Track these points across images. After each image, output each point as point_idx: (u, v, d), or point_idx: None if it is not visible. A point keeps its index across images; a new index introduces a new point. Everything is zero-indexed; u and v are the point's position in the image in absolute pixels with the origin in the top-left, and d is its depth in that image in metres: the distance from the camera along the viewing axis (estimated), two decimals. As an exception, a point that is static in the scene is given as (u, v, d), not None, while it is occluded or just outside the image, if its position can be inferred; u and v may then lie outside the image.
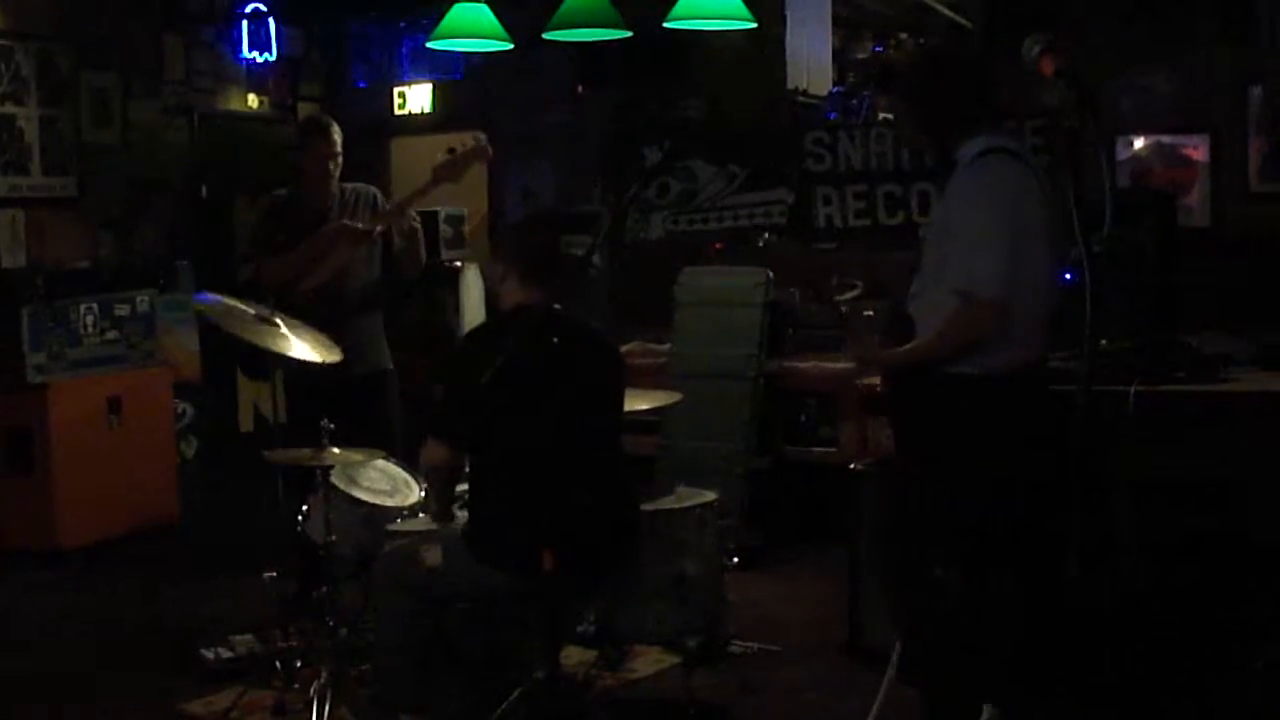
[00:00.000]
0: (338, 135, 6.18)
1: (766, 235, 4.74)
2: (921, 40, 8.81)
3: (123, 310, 8.15)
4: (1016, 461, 4.31)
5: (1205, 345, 5.33)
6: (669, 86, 8.84)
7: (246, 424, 9.58)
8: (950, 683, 4.37)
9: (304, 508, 5.38)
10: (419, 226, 6.20)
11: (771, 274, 7.42)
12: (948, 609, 4.33)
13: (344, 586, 5.14)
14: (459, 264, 8.63)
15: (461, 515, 4.68)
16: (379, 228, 6.10)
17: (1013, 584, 4.52)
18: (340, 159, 6.18)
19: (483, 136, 5.98)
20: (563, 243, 8.35)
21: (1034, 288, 4.25)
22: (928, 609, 4.38)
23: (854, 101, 8.39)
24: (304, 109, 10.23)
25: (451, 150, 5.95)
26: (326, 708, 4.84)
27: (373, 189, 6.36)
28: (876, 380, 4.70)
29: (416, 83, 10.31)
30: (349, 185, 6.27)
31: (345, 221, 6.04)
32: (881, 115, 7.89)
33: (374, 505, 5.24)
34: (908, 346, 4.33)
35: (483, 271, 8.14)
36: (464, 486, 4.81)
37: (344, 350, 5.75)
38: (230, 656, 5.59)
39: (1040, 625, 4.69)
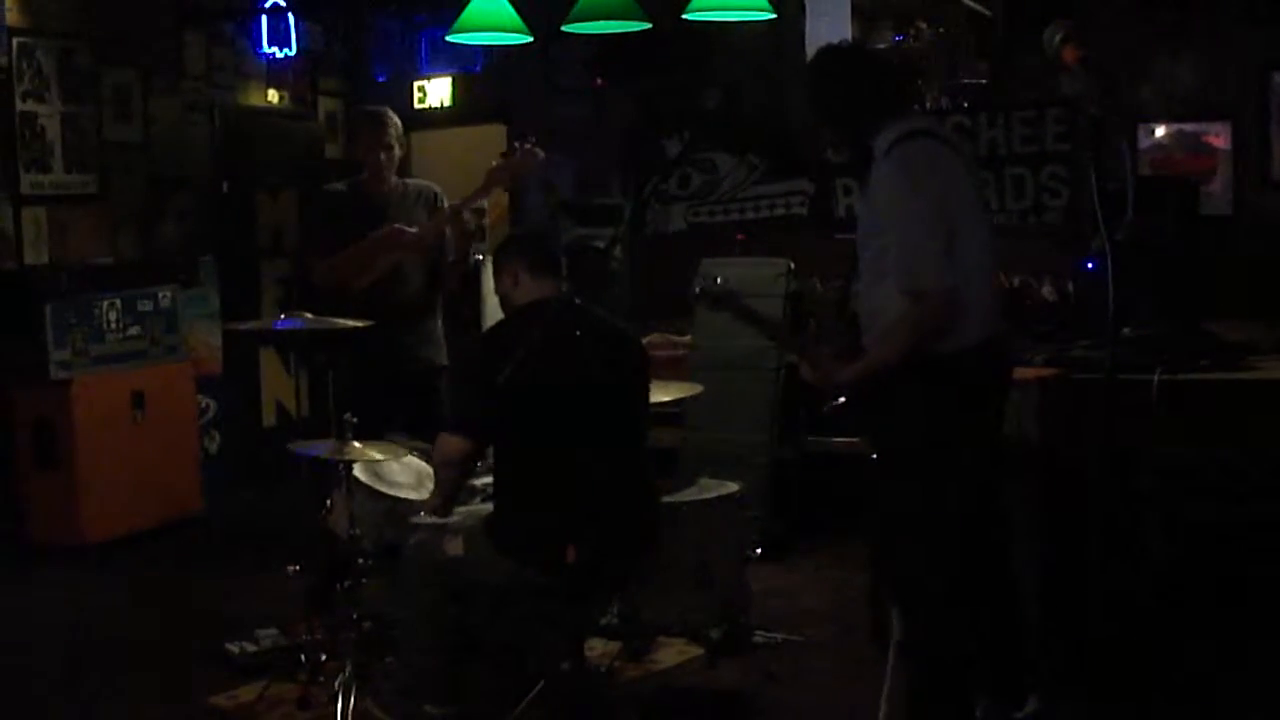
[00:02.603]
0: (394, 127, 6.16)
1: (719, 280, 4.71)
2: (941, 30, 8.79)
3: (145, 306, 8.19)
4: (990, 435, 4.31)
5: (1228, 333, 5.32)
6: (689, 78, 8.83)
7: (269, 418, 9.61)
8: (942, 668, 4.35)
9: (327, 501, 5.39)
10: (473, 230, 6.17)
11: (792, 265, 7.42)
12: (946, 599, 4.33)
13: (368, 580, 5.15)
14: (479, 257, 8.64)
15: (484, 507, 4.69)
16: (431, 234, 6.08)
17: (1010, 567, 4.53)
18: (396, 151, 6.17)
19: (535, 141, 5.96)
20: (578, 235, 8.37)
21: (974, 264, 4.21)
22: (925, 601, 4.37)
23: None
24: (324, 103, 10.25)
25: (505, 154, 5.96)
26: (351, 701, 4.85)
27: (434, 186, 6.32)
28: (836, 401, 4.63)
29: (436, 76, 10.32)
30: (411, 181, 6.27)
31: (398, 226, 6.02)
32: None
33: (397, 498, 5.25)
34: (865, 360, 4.30)
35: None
36: (487, 479, 4.83)
37: (398, 348, 5.83)
38: (255, 650, 5.61)
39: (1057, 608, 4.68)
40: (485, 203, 8.85)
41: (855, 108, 4.36)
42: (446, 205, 6.20)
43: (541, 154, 5.96)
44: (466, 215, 6.13)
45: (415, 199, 6.21)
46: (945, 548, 4.26)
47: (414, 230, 6.00)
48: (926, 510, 4.27)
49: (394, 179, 6.20)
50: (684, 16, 6.40)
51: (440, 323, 6.30)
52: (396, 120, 6.20)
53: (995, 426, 4.39)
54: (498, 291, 4.71)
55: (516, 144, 6.01)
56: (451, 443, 4.45)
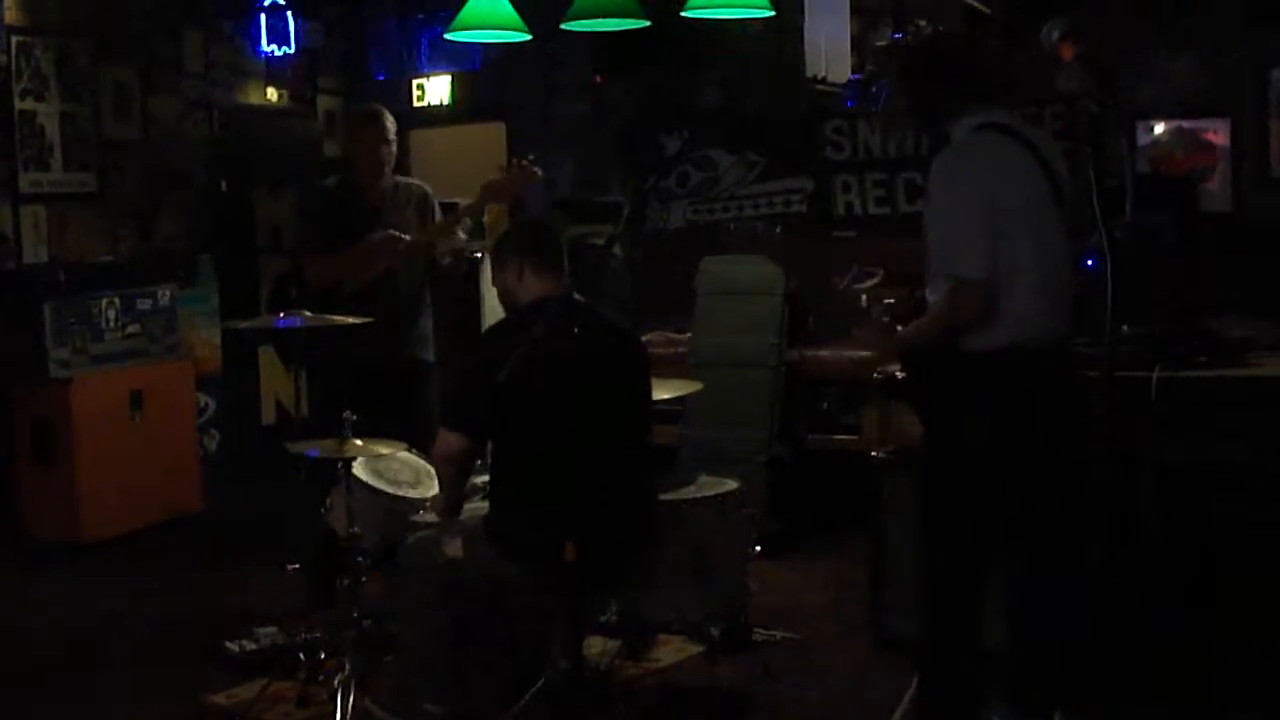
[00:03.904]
0: (391, 124, 6.18)
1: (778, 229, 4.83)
2: (940, 27, 8.79)
3: (144, 304, 8.18)
4: (1029, 436, 4.27)
5: (1228, 330, 5.30)
6: (688, 76, 8.83)
7: (268, 416, 9.60)
8: (953, 679, 4.34)
9: (326, 499, 5.39)
10: (465, 245, 6.22)
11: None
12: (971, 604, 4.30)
13: (367, 578, 5.14)
14: (479, 255, 8.63)
15: (482, 506, 4.68)
16: (425, 242, 6.12)
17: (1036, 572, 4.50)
18: (393, 148, 6.19)
19: (534, 159, 6.00)
20: (577, 233, 8.36)
21: (1022, 266, 4.18)
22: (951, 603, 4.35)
23: (873, 89, 8.36)
24: (323, 101, 10.25)
25: (502, 169, 5.99)
26: (350, 699, 4.85)
27: (424, 186, 6.35)
28: (893, 369, 4.66)
29: (435, 74, 10.32)
30: (401, 179, 6.28)
31: (392, 233, 6.03)
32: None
33: (396, 496, 5.25)
34: (905, 330, 4.31)
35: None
36: (484, 478, 4.82)
37: (386, 345, 5.86)
38: (254, 649, 5.61)
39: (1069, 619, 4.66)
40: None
41: (941, 97, 4.36)
42: (437, 206, 6.26)
43: (540, 172, 6.01)
44: (461, 232, 6.17)
45: (406, 199, 6.23)
46: (958, 550, 4.25)
47: (408, 238, 6.04)
48: (943, 510, 4.27)
49: (389, 176, 6.21)
50: (683, 14, 6.39)
51: (429, 321, 6.32)
52: (391, 117, 6.22)
53: (1042, 435, 4.29)
54: (499, 285, 4.69)
55: (514, 160, 6.06)
56: (450, 440, 4.45)
